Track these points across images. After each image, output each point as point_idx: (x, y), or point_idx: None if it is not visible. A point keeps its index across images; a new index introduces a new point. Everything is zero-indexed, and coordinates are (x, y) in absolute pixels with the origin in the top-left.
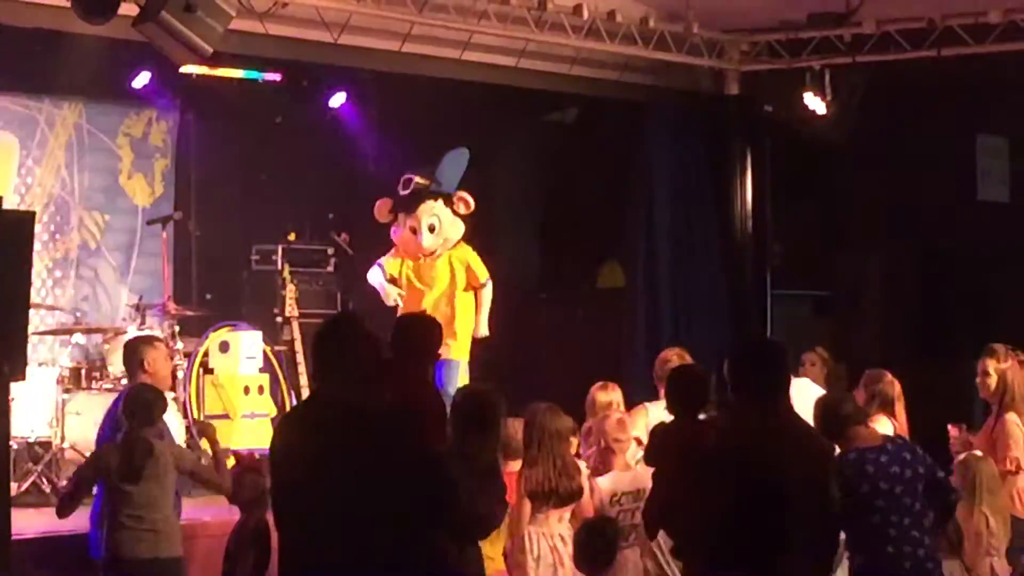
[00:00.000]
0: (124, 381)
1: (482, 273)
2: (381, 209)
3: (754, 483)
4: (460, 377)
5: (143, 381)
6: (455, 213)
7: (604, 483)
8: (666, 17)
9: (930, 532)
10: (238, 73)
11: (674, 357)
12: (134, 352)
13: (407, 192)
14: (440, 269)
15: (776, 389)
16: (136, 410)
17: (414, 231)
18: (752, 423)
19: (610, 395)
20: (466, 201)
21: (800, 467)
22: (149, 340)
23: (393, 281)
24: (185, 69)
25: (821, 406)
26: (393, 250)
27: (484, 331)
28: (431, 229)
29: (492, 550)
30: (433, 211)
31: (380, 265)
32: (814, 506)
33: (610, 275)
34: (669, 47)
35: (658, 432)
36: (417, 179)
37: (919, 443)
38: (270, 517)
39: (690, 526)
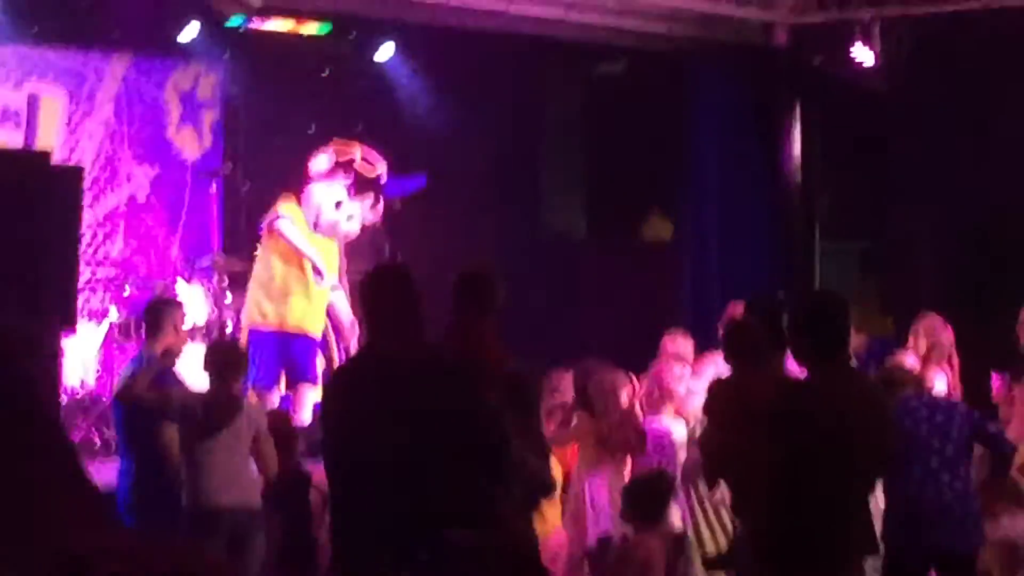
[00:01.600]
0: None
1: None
2: (319, 163)
3: (817, 436)
4: None
5: (168, 341)
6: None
7: (653, 428)
8: None
9: (966, 479)
10: (286, 25)
11: (740, 310)
12: (163, 314)
13: (372, 176)
14: (333, 254)
15: (837, 342)
16: (223, 366)
17: (338, 206)
18: (814, 376)
19: (679, 345)
20: (377, 212)
21: (863, 419)
22: (171, 301)
23: None
24: (233, 23)
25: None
26: (289, 197)
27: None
28: (349, 218)
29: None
30: (364, 206)
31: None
32: (875, 458)
33: (657, 227)
34: None
35: (716, 386)
36: (379, 169)
37: (968, 393)
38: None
39: (751, 480)
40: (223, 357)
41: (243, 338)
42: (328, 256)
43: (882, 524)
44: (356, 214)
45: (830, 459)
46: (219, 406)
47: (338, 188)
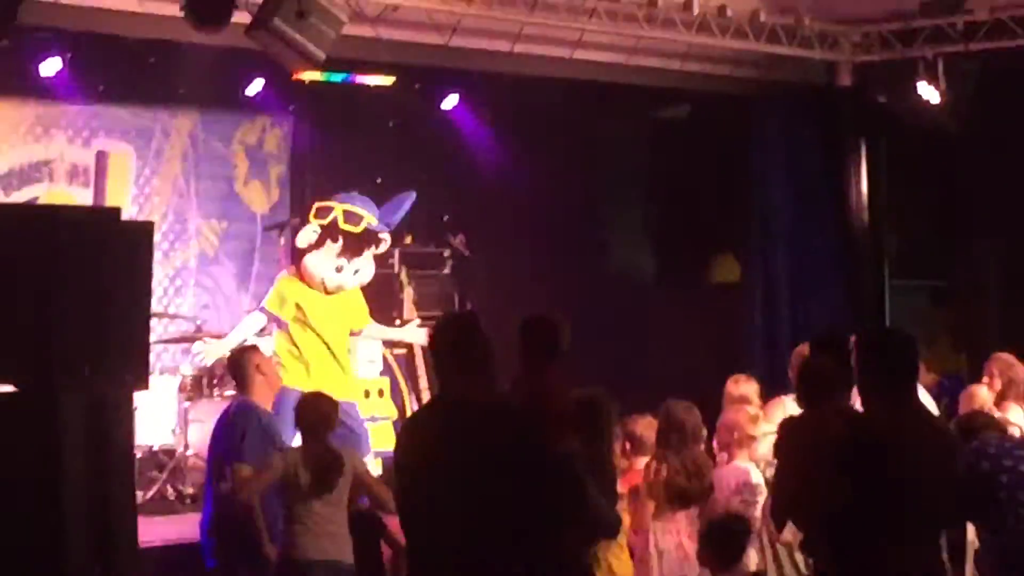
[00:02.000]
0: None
1: (363, 318)
2: (306, 236)
3: (886, 474)
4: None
5: (258, 387)
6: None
7: (729, 475)
8: (777, 10)
9: None
10: (351, 78)
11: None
12: (244, 361)
13: (357, 230)
14: (338, 306)
15: (906, 380)
16: (316, 421)
17: (339, 271)
18: (883, 414)
19: (742, 388)
20: (385, 241)
21: (931, 458)
22: (252, 348)
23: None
24: (298, 75)
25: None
26: (292, 269)
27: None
28: (356, 272)
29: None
30: (367, 257)
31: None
32: (944, 497)
33: (724, 269)
34: (780, 40)
35: (786, 425)
36: (367, 217)
37: None
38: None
39: (820, 518)
40: (314, 412)
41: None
42: (351, 305)
43: (973, 565)
44: (363, 267)
45: (898, 495)
46: (324, 468)
47: (331, 255)
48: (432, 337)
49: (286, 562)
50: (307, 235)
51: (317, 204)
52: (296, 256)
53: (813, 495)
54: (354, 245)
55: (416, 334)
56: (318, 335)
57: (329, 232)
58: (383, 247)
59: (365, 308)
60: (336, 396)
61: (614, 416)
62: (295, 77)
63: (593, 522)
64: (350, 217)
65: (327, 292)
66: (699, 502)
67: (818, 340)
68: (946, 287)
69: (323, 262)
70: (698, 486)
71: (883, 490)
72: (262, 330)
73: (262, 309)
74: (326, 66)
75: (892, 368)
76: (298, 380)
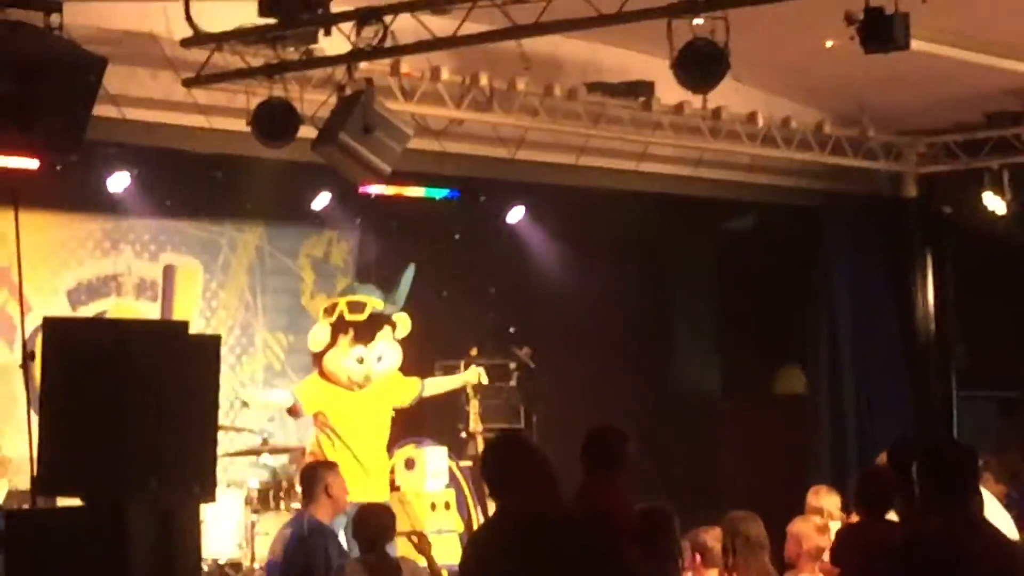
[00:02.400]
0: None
1: (413, 387)
2: (318, 337)
3: None
4: None
5: (323, 506)
6: (395, 338)
7: None
8: (841, 121)
9: None
10: (418, 192)
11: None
12: (316, 478)
13: (362, 318)
14: (369, 401)
15: (965, 492)
16: (376, 533)
17: (361, 361)
18: (941, 525)
19: (823, 500)
20: (405, 323)
21: (990, 570)
22: (328, 465)
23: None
24: (365, 189)
25: None
26: (317, 373)
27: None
28: (379, 359)
29: None
30: (385, 340)
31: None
32: None
33: (789, 380)
34: (845, 151)
35: (843, 533)
36: (371, 303)
37: None
38: None
39: None
40: (375, 523)
41: None
42: (388, 390)
43: None
44: (385, 353)
45: None
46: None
47: (346, 348)
48: (483, 460)
49: None
50: (318, 335)
51: (324, 306)
52: (316, 361)
53: None
54: (365, 332)
55: (472, 373)
56: (340, 439)
57: (339, 327)
58: (401, 330)
59: (405, 380)
60: (354, 499)
61: (677, 529)
62: (361, 191)
63: None
64: (354, 307)
65: (359, 387)
66: None
67: (892, 450)
68: (1015, 398)
69: (341, 358)
70: None
71: None
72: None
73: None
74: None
75: (950, 480)
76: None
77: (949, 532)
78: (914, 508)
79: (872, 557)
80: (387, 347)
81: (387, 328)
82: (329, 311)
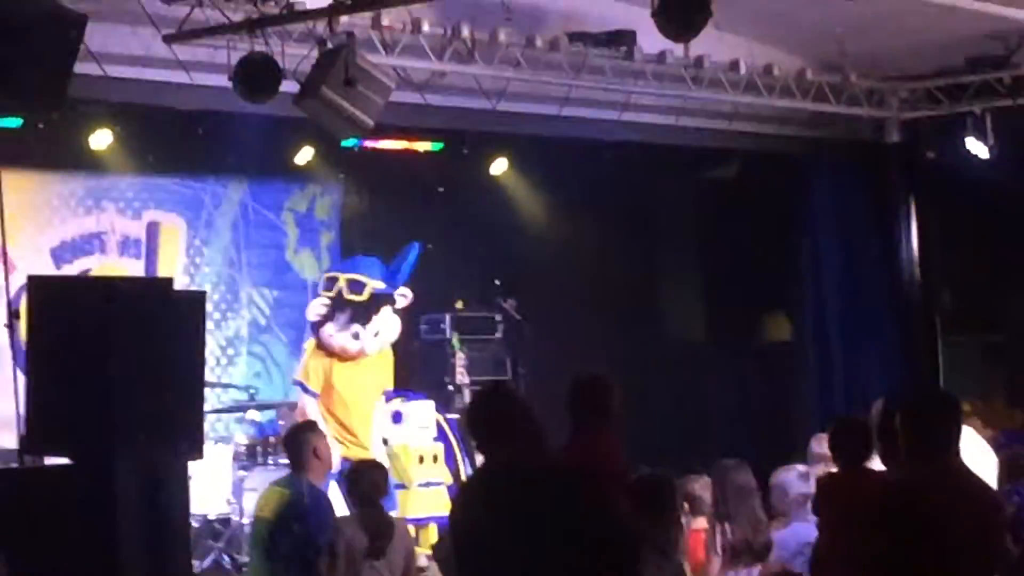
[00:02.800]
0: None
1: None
2: (315, 309)
3: (924, 536)
4: None
5: (314, 469)
6: (394, 311)
7: (789, 536)
8: (823, 68)
9: None
10: (401, 145)
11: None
12: (302, 441)
13: (362, 299)
14: (365, 371)
15: (947, 441)
16: (370, 489)
17: (356, 337)
18: (922, 475)
19: (825, 447)
20: (405, 296)
21: (972, 521)
22: (310, 426)
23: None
24: (347, 143)
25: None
26: (313, 348)
27: None
28: (376, 334)
29: None
30: (383, 316)
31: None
32: (985, 561)
33: (775, 327)
34: (827, 98)
35: (823, 482)
36: (370, 283)
37: None
38: None
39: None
40: (368, 481)
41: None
42: (379, 370)
43: None
44: (382, 328)
45: (933, 558)
46: (378, 534)
47: (343, 325)
48: (469, 412)
49: None
50: (316, 308)
51: (326, 275)
52: (313, 329)
53: (849, 557)
54: (363, 313)
55: None
56: (343, 401)
57: (336, 304)
58: (402, 302)
59: (390, 374)
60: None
61: (672, 492)
62: (343, 145)
63: None
64: (354, 286)
65: (353, 359)
66: (762, 558)
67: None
68: (1000, 342)
69: (338, 333)
70: (760, 541)
71: (920, 554)
72: None
73: (296, 383)
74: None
75: (932, 430)
76: None
77: (932, 483)
78: (898, 458)
79: (851, 507)
80: (386, 323)
81: (388, 306)
82: (329, 285)
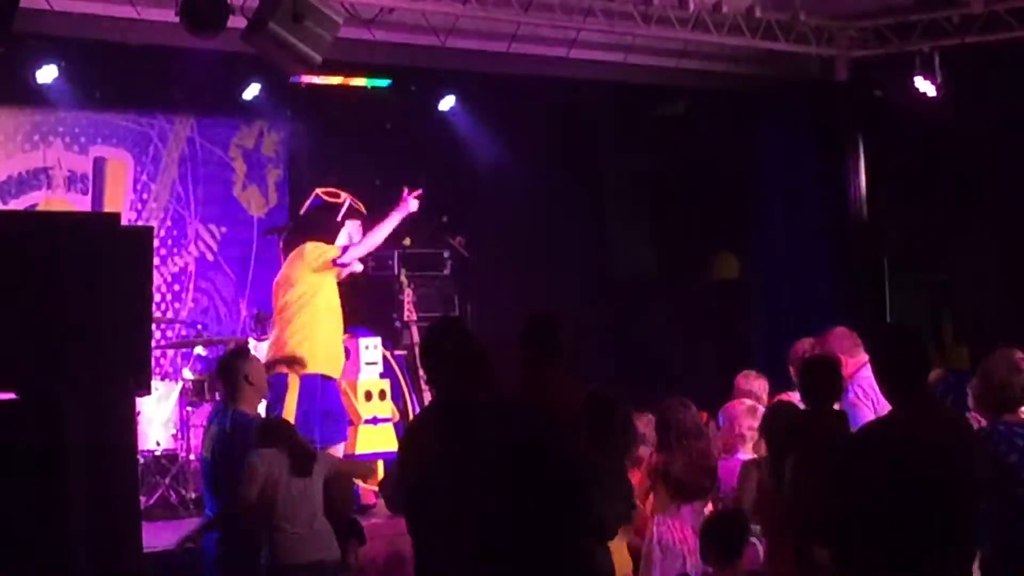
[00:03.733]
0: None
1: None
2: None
3: (911, 469)
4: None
5: (247, 396)
6: None
7: (731, 469)
8: (772, 6)
9: None
10: (348, 81)
11: (808, 347)
12: (233, 368)
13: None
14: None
15: (919, 374)
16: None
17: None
18: (899, 409)
19: (752, 383)
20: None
21: (954, 449)
22: (240, 352)
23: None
24: (294, 79)
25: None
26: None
27: None
28: None
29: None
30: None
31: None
32: (969, 489)
33: (724, 266)
34: (776, 36)
35: (781, 415)
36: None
37: None
38: None
39: (842, 520)
40: (277, 433)
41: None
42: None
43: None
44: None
45: (927, 491)
46: (301, 454)
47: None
48: (423, 346)
49: (275, 568)
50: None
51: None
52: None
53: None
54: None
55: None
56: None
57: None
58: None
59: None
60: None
61: (627, 415)
62: (291, 81)
63: (596, 524)
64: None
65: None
66: (703, 497)
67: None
68: (947, 281)
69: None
70: (701, 481)
71: (907, 487)
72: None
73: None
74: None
75: (903, 364)
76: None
77: (910, 416)
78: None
79: (824, 445)
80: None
81: None
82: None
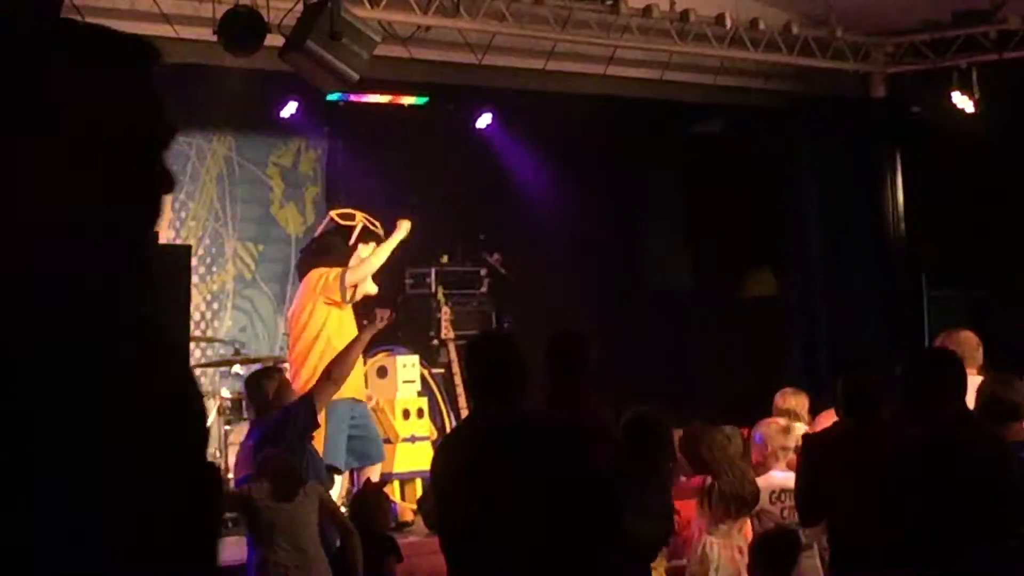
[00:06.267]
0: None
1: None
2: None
3: (949, 486)
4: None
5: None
6: None
7: (762, 483)
8: (809, 22)
9: None
10: (385, 99)
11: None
12: (257, 388)
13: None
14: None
15: (954, 400)
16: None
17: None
18: (937, 427)
19: (789, 401)
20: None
21: (990, 469)
22: (267, 372)
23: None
24: (332, 97)
25: (991, 393)
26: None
27: None
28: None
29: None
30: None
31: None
32: (1005, 505)
33: (759, 283)
34: (813, 52)
35: (815, 437)
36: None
37: None
38: None
39: (880, 534)
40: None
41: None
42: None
43: None
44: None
45: (961, 506)
46: (282, 475)
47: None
48: (466, 355)
49: None
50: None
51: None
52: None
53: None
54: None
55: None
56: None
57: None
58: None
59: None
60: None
61: (667, 432)
62: (328, 99)
63: (631, 544)
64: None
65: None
66: (749, 510)
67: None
68: (984, 296)
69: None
70: (749, 491)
71: (945, 503)
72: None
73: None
74: (361, 88)
75: (939, 391)
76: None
77: (946, 433)
78: (906, 414)
79: (867, 464)
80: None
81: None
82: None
